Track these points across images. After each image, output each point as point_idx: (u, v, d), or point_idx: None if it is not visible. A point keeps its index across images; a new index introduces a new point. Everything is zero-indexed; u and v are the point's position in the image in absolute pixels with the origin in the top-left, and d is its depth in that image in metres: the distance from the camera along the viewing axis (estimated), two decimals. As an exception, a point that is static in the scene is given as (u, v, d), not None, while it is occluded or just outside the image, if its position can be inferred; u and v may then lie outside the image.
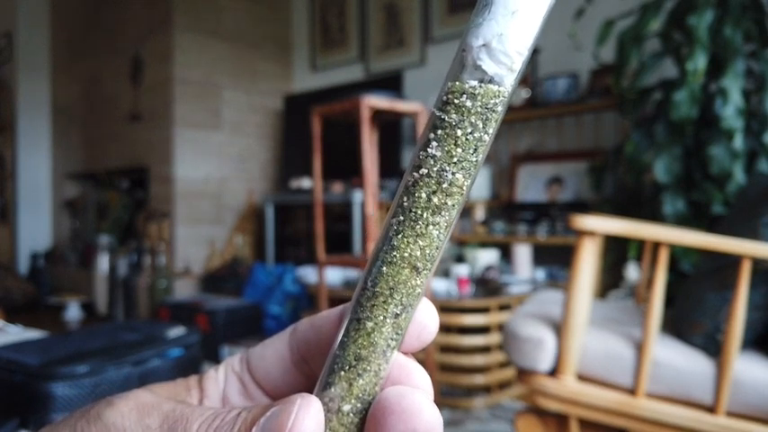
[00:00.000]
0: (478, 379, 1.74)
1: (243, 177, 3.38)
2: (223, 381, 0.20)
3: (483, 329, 1.78)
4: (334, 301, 2.06)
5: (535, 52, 2.44)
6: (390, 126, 2.66)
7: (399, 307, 0.15)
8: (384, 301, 0.15)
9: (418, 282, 0.15)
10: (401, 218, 0.15)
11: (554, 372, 0.94)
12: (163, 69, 3.11)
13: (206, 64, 3.18)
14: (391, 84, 2.90)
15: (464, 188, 0.15)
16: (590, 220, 0.88)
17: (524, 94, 2.43)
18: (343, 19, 3.35)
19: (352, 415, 0.16)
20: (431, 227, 0.15)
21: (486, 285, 1.95)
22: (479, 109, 0.14)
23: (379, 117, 1.76)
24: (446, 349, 1.79)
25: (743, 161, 1.48)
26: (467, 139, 0.14)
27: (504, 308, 1.80)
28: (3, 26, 3.97)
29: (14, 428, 0.94)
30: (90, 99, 3.70)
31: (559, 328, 0.94)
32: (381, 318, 0.15)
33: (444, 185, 0.14)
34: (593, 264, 0.93)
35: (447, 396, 1.75)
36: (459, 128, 0.14)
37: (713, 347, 0.89)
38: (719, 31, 1.51)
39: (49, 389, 0.96)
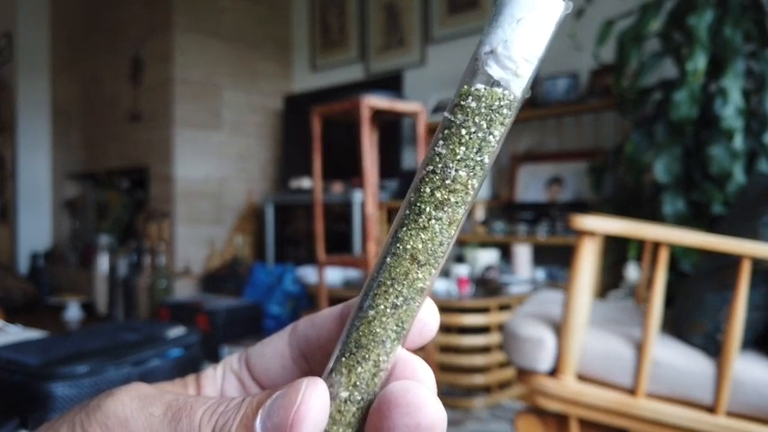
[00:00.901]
0: (478, 379, 1.74)
1: (243, 177, 3.38)
2: (221, 379, 0.20)
3: (483, 329, 1.78)
4: (334, 300, 2.06)
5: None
6: (390, 126, 2.66)
7: (400, 298, 0.16)
8: (385, 291, 0.16)
9: (419, 275, 0.16)
10: (407, 212, 0.16)
11: (554, 372, 0.94)
12: (163, 69, 3.11)
13: (206, 64, 3.18)
14: (391, 84, 2.90)
15: (468, 186, 0.15)
16: (590, 220, 0.88)
17: (524, 94, 2.43)
18: (344, 19, 3.35)
19: (349, 403, 0.16)
20: (433, 221, 0.15)
21: (486, 285, 1.95)
22: (483, 110, 0.15)
23: (379, 117, 1.76)
24: (446, 349, 1.79)
25: (743, 161, 1.48)
26: (470, 138, 0.15)
27: (504, 308, 1.80)
28: (3, 26, 3.97)
29: (14, 428, 0.94)
30: (90, 99, 3.70)
31: (559, 328, 0.94)
32: (382, 307, 0.16)
33: (447, 182, 0.15)
34: (593, 264, 0.93)
35: (447, 396, 1.75)
36: (463, 127, 0.15)
37: (713, 347, 0.89)
38: (719, 32, 1.51)
39: (48, 389, 0.96)
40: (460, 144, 0.15)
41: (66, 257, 3.80)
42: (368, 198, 1.59)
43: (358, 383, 0.16)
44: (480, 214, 2.55)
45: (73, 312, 3.28)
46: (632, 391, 0.90)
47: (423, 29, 3.01)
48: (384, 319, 0.16)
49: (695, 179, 1.60)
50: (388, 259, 0.16)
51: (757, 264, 0.86)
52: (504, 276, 2.10)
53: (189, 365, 1.15)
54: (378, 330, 0.16)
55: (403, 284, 0.16)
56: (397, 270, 0.16)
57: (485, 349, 1.78)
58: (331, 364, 0.16)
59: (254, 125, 3.44)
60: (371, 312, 0.16)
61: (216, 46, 3.23)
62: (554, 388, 0.93)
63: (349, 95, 1.61)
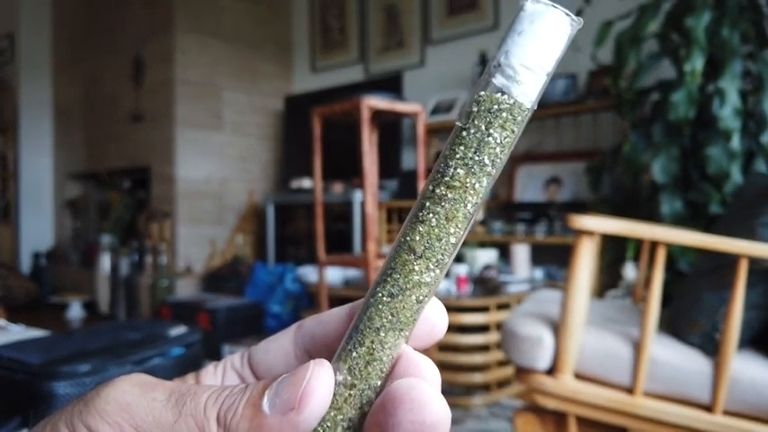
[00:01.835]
0: (477, 377, 1.75)
1: (244, 177, 3.39)
2: (221, 377, 0.20)
3: (482, 328, 1.79)
4: (334, 300, 2.06)
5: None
6: (390, 126, 2.67)
7: (396, 287, 0.16)
8: (384, 280, 0.16)
9: (415, 267, 0.16)
10: (413, 210, 0.17)
11: (552, 370, 0.95)
12: (164, 70, 3.12)
13: (207, 65, 3.19)
14: (391, 85, 2.91)
15: (466, 184, 0.16)
16: (588, 219, 0.89)
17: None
18: (344, 20, 3.36)
19: (342, 387, 0.16)
20: (430, 215, 0.16)
21: (485, 285, 1.96)
22: (482, 113, 0.15)
23: (379, 117, 1.77)
24: (445, 348, 1.80)
25: (740, 161, 1.49)
26: (470, 139, 0.16)
27: (502, 307, 1.80)
28: (5, 27, 3.98)
29: (16, 427, 0.94)
30: (91, 99, 3.71)
31: (557, 327, 0.95)
32: (379, 295, 0.16)
33: (446, 179, 0.16)
34: (591, 263, 0.94)
35: (446, 394, 1.74)
36: (464, 129, 0.16)
37: (710, 347, 0.89)
38: (717, 33, 1.52)
39: (50, 388, 0.97)
40: (460, 144, 0.16)
41: (68, 257, 3.81)
42: (368, 198, 1.60)
43: (352, 368, 0.16)
44: (479, 214, 2.55)
45: (75, 311, 3.30)
46: (630, 390, 0.90)
47: (422, 30, 3.02)
48: (380, 306, 0.16)
49: (693, 179, 1.61)
50: (392, 252, 0.17)
51: (754, 263, 0.87)
52: (503, 276, 2.11)
53: (190, 364, 1.16)
54: (374, 317, 0.16)
55: (400, 274, 0.16)
56: (397, 261, 0.16)
57: (484, 348, 1.78)
58: (338, 350, 0.17)
59: (254, 126, 3.44)
60: (371, 300, 0.17)
61: (216, 47, 3.24)
62: (552, 386, 0.93)
63: (349, 96, 1.61)
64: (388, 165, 2.70)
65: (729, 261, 0.88)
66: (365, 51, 3.26)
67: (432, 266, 0.16)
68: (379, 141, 1.85)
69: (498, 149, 0.16)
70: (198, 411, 0.16)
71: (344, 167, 2.74)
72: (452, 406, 1.72)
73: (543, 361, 0.94)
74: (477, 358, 1.75)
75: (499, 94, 0.16)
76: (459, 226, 0.16)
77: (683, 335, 0.94)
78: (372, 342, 0.16)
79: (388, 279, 0.16)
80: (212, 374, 0.20)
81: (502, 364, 1.79)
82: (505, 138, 0.16)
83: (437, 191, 0.16)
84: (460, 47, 2.86)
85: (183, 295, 2.89)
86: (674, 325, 0.98)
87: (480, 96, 0.16)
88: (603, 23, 1.77)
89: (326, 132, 1.75)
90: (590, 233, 0.90)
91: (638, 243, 1.63)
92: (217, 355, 2.33)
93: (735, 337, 0.83)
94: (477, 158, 0.16)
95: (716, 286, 0.92)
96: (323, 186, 1.98)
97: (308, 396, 0.15)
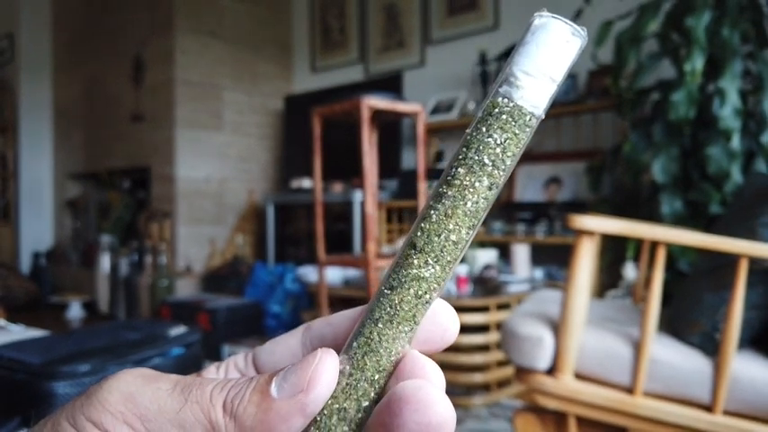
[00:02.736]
0: (477, 377, 1.75)
1: (244, 177, 3.39)
2: (224, 377, 0.19)
3: (482, 328, 1.79)
4: (334, 300, 2.07)
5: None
6: (390, 126, 2.67)
7: (396, 280, 0.17)
8: (389, 275, 0.17)
9: (415, 260, 0.16)
10: (421, 209, 0.17)
11: (552, 370, 0.95)
12: (164, 70, 3.12)
13: (207, 65, 3.19)
14: (391, 85, 2.91)
15: (465, 181, 0.16)
16: (588, 219, 0.89)
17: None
18: (344, 20, 3.36)
19: (341, 376, 0.17)
20: (431, 211, 0.17)
21: (485, 284, 1.96)
22: (485, 117, 0.16)
23: (379, 117, 1.77)
24: (445, 348, 1.80)
25: (740, 161, 1.49)
26: (472, 141, 0.16)
27: (502, 307, 1.80)
28: (5, 27, 3.98)
29: (16, 427, 0.94)
30: (91, 100, 3.71)
31: (558, 327, 0.95)
32: (381, 288, 0.17)
33: (448, 178, 0.16)
34: (591, 263, 0.93)
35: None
36: (468, 133, 0.17)
37: (711, 347, 0.89)
38: (717, 32, 1.52)
39: (50, 387, 0.97)
40: (464, 146, 0.16)
41: (68, 257, 3.82)
42: (368, 198, 1.60)
43: (350, 358, 0.17)
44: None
45: (75, 311, 3.30)
46: (630, 390, 0.90)
47: (422, 30, 3.02)
48: (381, 299, 0.17)
49: (693, 179, 1.61)
50: (399, 250, 0.17)
51: (754, 263, 0.87)
52: (503, 275, 2.11)
53: (190, 364, 1.16)
54: (374, 309, 0.17)
55: (401, 267, 0.17)
56: (401, 256, 0.17)
57: (484, 348, 1.78)
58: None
59: (254, 126, 3.45)
60: (375, 294, 0.17)
61: (217, 47, 3.24)
62: (552, 386, 0.93)
63: (349, 96, 1.61)
64: (388, 165, 2.70)
65: (729, 261, 0.88)
66: (365, 51, 3.26)
67: (431, 261, 0.16)
68: (379, 141, 1.85)
69: (498, 150, 0.16)
70: (204, 399, 0.15)
71: (344, 167, 2.74)
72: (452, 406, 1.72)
73: (543, 361, 0.94)
74: (478, 358, 1.75)
75: (500, 99, 0.16)
76: (459, 223, 0.16)
77: (683, 335, 0.94)
78: (371, 333, 0.17)
79: (391, 274, 0.17)
80: (214, 374, 0.20)
81: (502, 364, 1.79)
82: (506, 139, 0.16)
83: (440, 189, 0.17)
84: (460, 47, 2.86)
85: (182, 295, 2.89)
86: (674, 325, 0.98)
87: (485, 103, 0.17)
88: (603, 23, 1.77)
89: (326, 132, 1.75)
90: (590, 233, 0.90)
91: (639, 243, 1.63)
92: (217, 355, 2.33)
93: (735, 336, 0.83)
94: (476, 158, 0.16)
95: (716, 286, 0.92)
96: (323, 186, 1.98)
97: (316, 378, 0.15)
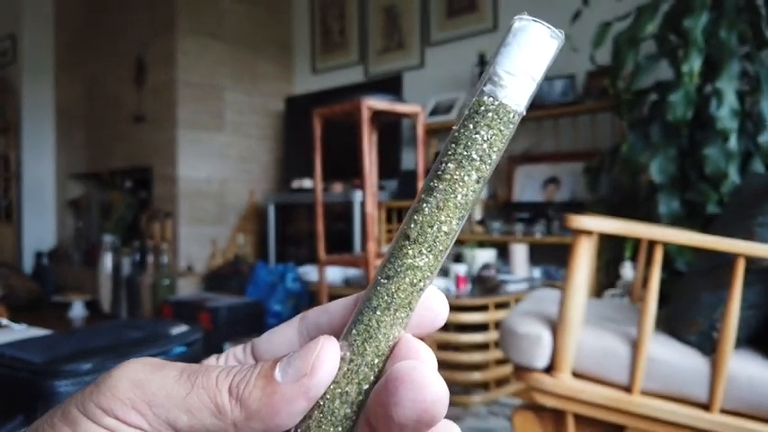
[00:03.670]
0: (476, 376, 1.76)
1: (245, 178, 3.40)
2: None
3: (481, 327, 1.79)
4: (334, 298, 2.07)
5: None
6: (390, 127, 2.68)
7: (392, 270, 0.17)
8: (384, 265, 0.18)
9: (409, 251, 0.17)
10: (413, 203, 0.18)
11: (550, 369, 0.95)
12: (165, 71, 3.13)
13: (208, 66, 3.20)
14: (391, 86, 2.92)
15: (455, 176, 0.17)
16: (586, 219, 0.90)
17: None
18: (344, 22, 3.37)
19: (342, 362, 0.17)
20: (424, 204, 0.17)
21: (484, 284, 1.97)
22: (472, 115, 0.17)
23: (379, 118, 1.78)
24: (444, 346, 1.81)
25: (738, 162, 1.49)
26: (460, 137, 0.17)
27: (501, 306, 1.81)
28: (7, 28, 3.99)
29: (19, 425, 0.95)
30: (93, 100, 3.73)
31: (556, 326, 0.95)
32: (378, 278, 0.18)
33: (438, 172, 0.17)
34: (589, 263, 0.94)
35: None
36: (456, 131, 0.17)
37: (708, 346, 0.90)
38: (714, 34, 1.52)
39: (52, 386, 0.98)
40: (452, 143, 0.17)
41: (71, 256, 3.83)
42: (368, 198, 1.61)
43: (351, 344, 0.17)
44: (478, 214, 2.56)
45: (77, 310, 3.31)
46: (628, 388, 0.91)
47: (422, 32, 3.03)
48: (378, 288, 0.18)
49: (690, 179, 1.61)
50: (393, 241, 0.18)
51: (751, 263, 0.88)
52: (502, 275, 2.11)
53: (192, 362, 1.16)
54: (372, 298, 0.18)
55: (396, 258, 0.18)
56: (395, 247, 0.18)
57: (482, 346, 1.79)
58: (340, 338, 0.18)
59: (255, 126, 3.46)
60: (372, 284, 0.18)
61: (217, 48, 3.25)
62: (551, 385, 0.94)
63: (349, 97, 1.62)
64: (388, 165, 2.71)
65: (727, 261, 0.89)
66: (365, 53, 3.27)
67: (424, 251, 0.17)
68: (378, 142, 1.86)
69: (486, 146, 0.17)
70: (210, 384, 0.16)
71: (344, 167, 2.75)
72: (451, 404, 1.72)
73: (542, 359, 0.95)
74: (476, 357, 1.75)
75: (486, 98, 0.17)
76: (450, 215, 0.17)
77: (680, 334, 0.95)
78: (370, 320, 0.17)
79: (387, 264, 0.18)
80: (215, 365, 0.20)
81: (500, 362, 1.80)
82: (492, 135, 0.17)
83: (431, 184, 0.17)
84: (460, 48, 2.87)
85: (184, 294, 2.90)
86: (671, 324, 0.99)
87: (471, 102, 0.17)
88: (602, 24, 1.78)
89: (327, 133, 1.76)
90: (588, 233, 0.90)
91: (636, 243, 1.63)
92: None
93: (732, 335, 0.84)
94: (465, 153, 0.17)
95: (713, 286, 0.92)
96: (323, 186, 1.99)
97: (319, 363, 0.16)
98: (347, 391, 0.17)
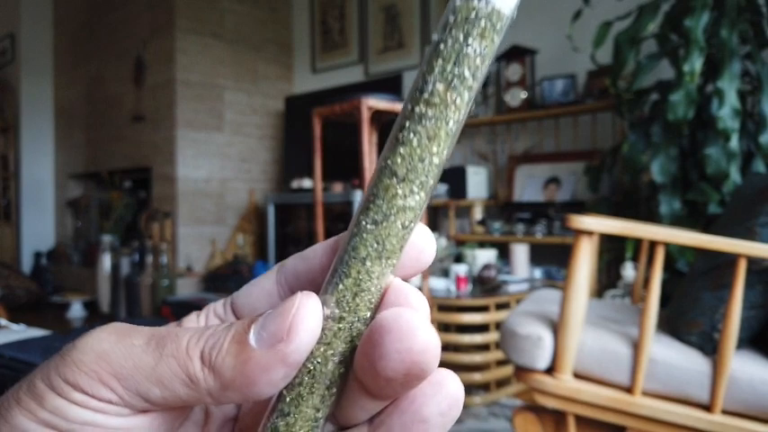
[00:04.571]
0: (477, 377, 1.75)
1: (244, 177, 3.39)
2: (204, 324, 0.19)
3: (481, 328, 1.79)
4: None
5: (533, 54, 2.46)
6: (390, 126, 2.67)
7: (379, 214, 0.15)
8: (367, 208, 0.16)
9: (399, 191, 0.15)
10: (392, 133, 0.16)
11: (551, 370, 0.95)
12: (165, 71, 3.13)
13: (208, 66, 3.20)
14: (391, 85, 2.91)
15: (447, 99, 0.15)
16: (587, 219, 0.89)
17: (522, 95, 2.45)
18: (344, 21, 3.37)
19: (330, 321, 0.16)
20: (411, 134, 0.15)
21: (485, 284, 1.96)
22: (459, 22, 0.14)
23: (379, 118, 1.78)
24: (445, 347, 1.80)
25: (739, 162, 1.49)
26: (447, 52, 0.14)
27: (502, 306, 1.81)
28: (6, 27, 3.99)
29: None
30: (93, 100, 3.72)
31: (557, 327, 0.95)
32: (363, 224, 0.16)
33: (425, 95, 0.15)
34: (590, 263, 0.94)
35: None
36: (441, 42, 0.15)
37: (709, 346, 0.90)
38: (715, 33, 1.52)
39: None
40: (438, 57, 0.15)
41: (70, 256, 3.82)
42: (368, 198, 1.61)
43: (339, 300, 0.15)
44: (478, 214, 2.56)
45: (76, 311, 3.30)
46: (629, 389, 0.90)
47: (422, 31, 3.02)
48: (365, 235, 0.15)
49: (691, 179, 1.61)
50: (373, 177, 0.16)
51: (753, 263, 0.87)
52: (502, 275, 2.11)
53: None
54: (359, 247, 0.16)
55: (383, 200, 0.15)
56: (379, 186, 0.15)
57: (483, 347, 1.79)
58: (321, 290, 0.16)
59: (255, 126, 3.45)
60: (354, 230, 0.16)
61: (217, 48, 3.24)
62: (551, 385, 0.94)
63: (349, 97, 1.62)
64: (389, 165, 2.70)
65: (728, 261, 0.89)
66: (365, 52, 3.27)
67: (416, 189, 0.15)
68: (378, 141, 1.85)
69: (478, 60, 0.14)
70: (180, 351, 0.15)
71: (344, 167, 2.74)
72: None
73: (542, 360, 0.95)
74: (477, 357, 1.75)
75: (476, 1, 0.14)
76: (442, 144, 0.15)
77: (681, 334, 0.95)
78: (359, 272, 0.16)
79: (371, 206, 0.15)
80: (195, 322, 0.19)
81: (501, 363, 1.80)
82: (485, 48, 0.14)
83: (416, 109, 0.15)
84: (460, 47, 2.86)
85: (183, 295, 2.89)
86: (672, 324, 0.99)
87: (457, 5, 0.14)
88: (602, 24, 1.78)
89: (327, 133, 1.76)
90: (589, 233, 0.90)
91: (637, 243, 1.63)
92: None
93: (734, 336, 0.83)
94: (456, 72, 0.14)
95: (715, 286, 0.92)
96: (323, 186, 1.99)
97: (296, 326, 0.14)
98: (341, 352, 0.16)
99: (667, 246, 1.14)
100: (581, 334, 0.95)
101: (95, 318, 3.24)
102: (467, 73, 0.14)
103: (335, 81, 3.35)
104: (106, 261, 3.27)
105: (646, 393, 0.90)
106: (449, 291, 1.88)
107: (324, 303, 0.16)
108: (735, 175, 1.47)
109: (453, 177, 2.50)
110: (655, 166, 1.58)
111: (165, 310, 2.61)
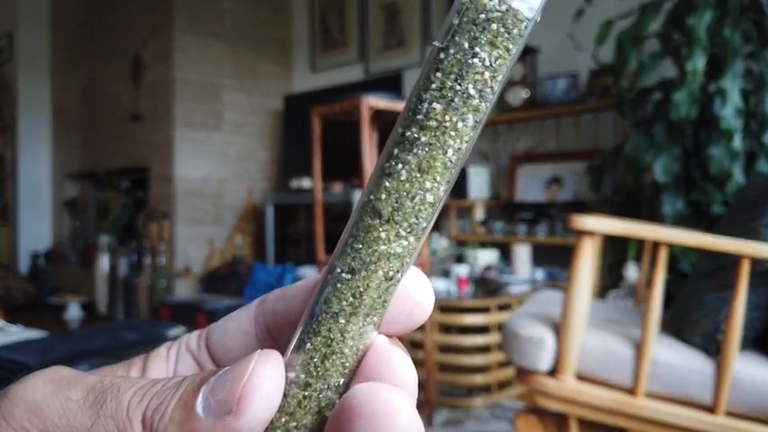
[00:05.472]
0: (478, 378, 1.75)
1: (243, 177, 3.38)
2: (174, 361, 0.17)
3: (483, 329, 1.78)
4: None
5: (535, 52, 2.45)
6: (390, 126, 2.66)
7: (357, 261, 0.13)
8: (343, 252, 0.13)
9: (382, 234, 0.12)
10: (379, 159, 0.13)
11: (553, 371, 0.94)
12: (163, 70, 3.12)
13: (206, 65, 3.19)
14: (391, 84, 2.90)
15: (445, 122, 0.12)
16: (589, 220, 0.89)
17: (524, 94, 2.44)
18: (343, 20, 3.36)
19: (294, 386, 0.13)
20: (399, 165, 0.12)
21: (486, 285, 1.95)
22: (464, 25, 0.12)
23: (379, 117, 1.77)
24: (446, 349, 1.79)
25: (742, 161, 1.48)
26: (449, 62, 0.12)
27: (503, 307, 1.80)
28: (3, 26, 3.97)
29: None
30: (90, 99, 3.71)
31: (559, 328, 0.94)
32: (338, 271, 0.13)
33: (418, 117, 0.12)
34: (593, 264, 0.93)
35: (447, 396, 1.75)
36: (442, 50, 0.12)
37: (713, 347, 0.89)
38: (718, 32, 1.51)
39: (49, 388, 0.96)
40: (437, 71, 0.12)
41: (67, 257, 3.81)
42: (368, 198, 1.60)
43: (306, 363, 0.13)
44: (480, 214, 2.55)
45: (73, 312, 3.29)
46: (631, 391, 0.90)
47: (422, 29, 3.01)
48: (339, 285, 0.13)
49: (694, 179, 1.60)
50: (354, 214, 0.13)
51: (757, 264, 0.87)
52: (504, 276, 2.10)
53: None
54: (331, 300, 0.13)
55: (362, 243, 0.13)
56: (359, 226, 0.13)
57: (484, 349, 1.78)
58: (289, 346, 0.14)
59: (254, 125, 3.44)
60: (328, 277, 0.13)
61: (216, 47, 3.23)
62: (553, 387, 0.93)
63: (349, 96, 1.61)
64: (388, 165, 2.69)
65: (731, 262, 0.88)
66: (365, 50, 3.26)
67: (403, 233, 0.12)
68: (379, 141, 1.84)
69: (488, 75, 0.12)
70: (119, 412, 0.13)
71: (344, 167, 2.73)
72: (453, 407, 1.71)
73: (544, 362, 0.94)
74: (478, 359, 1.74)
75: (488, 0, 0.12)
76: (438, 179, 0.12)
77: (684, 335, 0.94)
78: (330, 331, 0.13)
79: (348, 251, 0.13)
80: (164, 359, 0.17)
81: (503, 365, 1.79)
82: (497, 59, 0.12)
83: (407, 134, 0.12)
84: (460, 46, 2.85)
85: (181, 296, 2.88)
86: (675, 326, 0.98)
87: (463, 4, 0.12)
88: (604, 23, 1.77)
89: (326, 132, 1.75)
90: (591, 233, 0.89)
91: (640, 243, 1.62)
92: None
93: (737, 337, 0.83)
94: (458, 88, 0.12)
95: (718, 287, 0.91)
96: (323, 186, 1.98)
97: (248, 396, 0.12)
98: (305, 425, 0.13)
99: (670, 246, 1.13)
100: (583, 335, 0.94)
101: (93, 319, 3.23)
102: (471, 90, 0.12)
103: (335, 80, 3.34)
104: (104, 262, 3.26)
105: (648, 395, 0.89)
106: (450, 292, 1.87)
107: (288, 365, 0.13)
108: (738, 175, 1.47)
109: (453, 177, 2.49)
110: (658, 165, 1.58)
111: (164, 312, 2.60)
